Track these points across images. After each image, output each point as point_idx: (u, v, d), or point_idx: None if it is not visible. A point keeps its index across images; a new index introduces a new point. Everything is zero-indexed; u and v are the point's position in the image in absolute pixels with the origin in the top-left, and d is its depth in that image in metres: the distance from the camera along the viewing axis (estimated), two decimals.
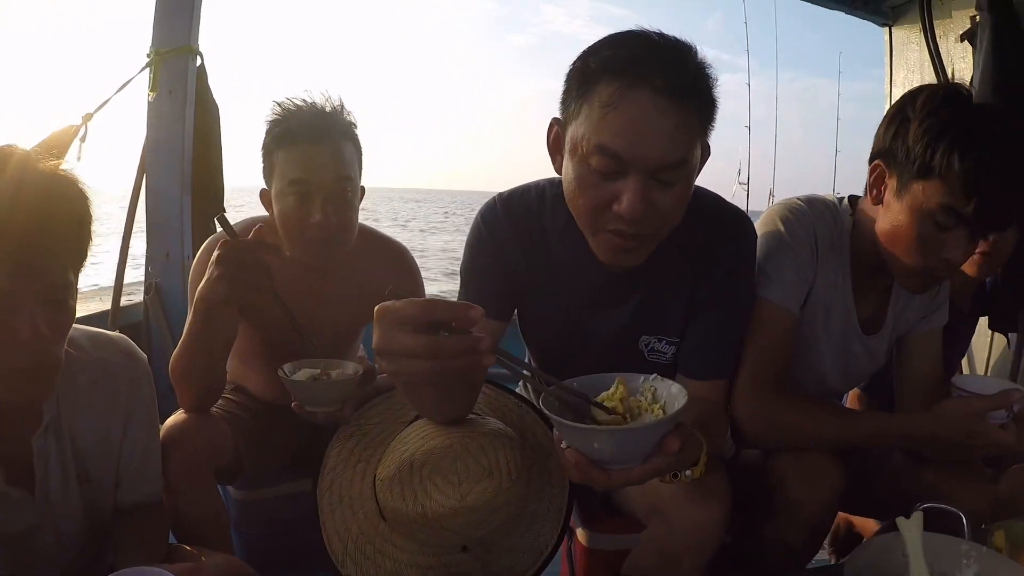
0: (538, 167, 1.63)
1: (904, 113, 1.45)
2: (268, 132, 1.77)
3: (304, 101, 1.76)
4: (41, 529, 1.27)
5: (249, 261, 1.47)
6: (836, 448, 1.54)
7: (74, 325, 1.24)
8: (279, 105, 1.76)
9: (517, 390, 1.74)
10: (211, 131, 2.88)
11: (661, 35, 1.21)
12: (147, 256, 2.83)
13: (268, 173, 1.78)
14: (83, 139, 2.48)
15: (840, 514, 2.14)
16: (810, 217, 1.60)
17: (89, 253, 1.16)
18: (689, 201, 1.29)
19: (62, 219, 1.10)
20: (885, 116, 1.51)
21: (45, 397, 1.22)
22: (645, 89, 1.15)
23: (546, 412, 0.99)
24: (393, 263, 1.97)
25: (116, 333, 1.42)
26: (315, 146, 1.71)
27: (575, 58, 1.26)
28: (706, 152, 1.29)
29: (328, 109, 1.77)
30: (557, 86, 1.30)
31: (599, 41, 1.24)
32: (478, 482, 1.20)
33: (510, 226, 1.48)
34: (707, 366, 1.49)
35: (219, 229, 1.59)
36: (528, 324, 1.64)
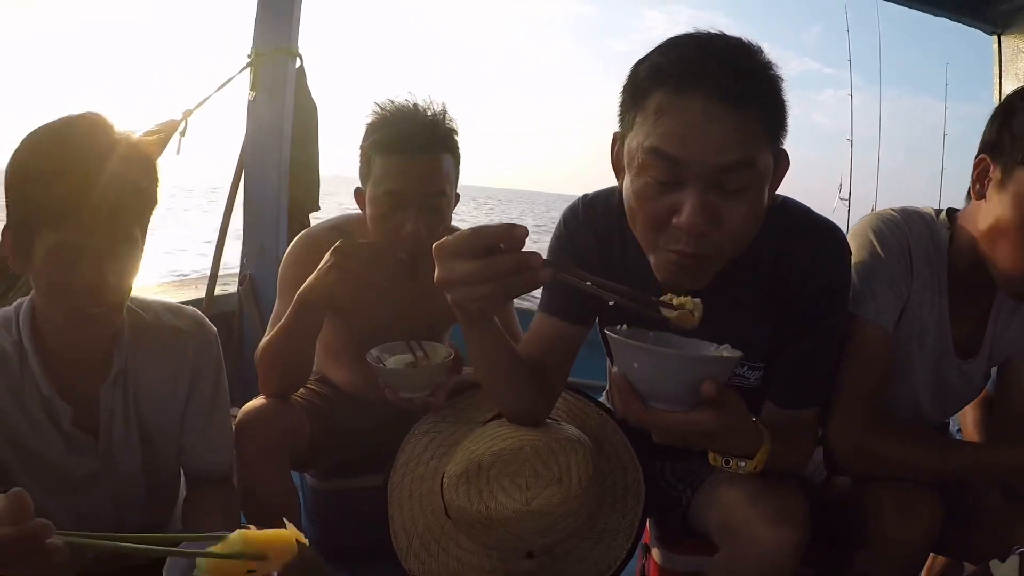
0: None
1: (1012, 104, 1.35)
2: (368, 135, 1.76)
3: (406, 105, 1.76)
4: (101, 479, 1.34)
5: (357, 263, 1.52)
6: (935, 479, 1.46)
7: (153, 298, 1.39)
8: (380, 108, 1.76)
9: (601, 399, 1.72)
10: (309, 130, 2.97)
11: (720, 36, 1.14)
12: (243, 249, 2.94)
13: (364, 174, 1.78)
14: (183, 134, 2.60)
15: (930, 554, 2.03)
16: (904, 229, 1.50)
17: (153, 212, 1.26)
18: (770, 213, 1.20)
19: (130, 180, 1.19)
20: (992, 113, 1.42)
21: (109, 337, 1.31)
22: (698, 92, 1.08)
23: (605, 331, 0.98)
24: None
25: (189, 306, 1.48)
26: (414, 159, 1.70)
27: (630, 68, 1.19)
28: (782, 161, 1.19)
29: (430, 115, 1.75)
30: None
31: (652, 49, 1.18)
32: (546, 487, 1.20)
33: (591, 232, 1.43)
34: (798, 397, 1.40)
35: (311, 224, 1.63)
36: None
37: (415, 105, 1.75)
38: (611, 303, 1.01)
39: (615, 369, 1.02)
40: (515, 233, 0.97)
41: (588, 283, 1.02)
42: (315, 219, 2.96)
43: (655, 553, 1.66)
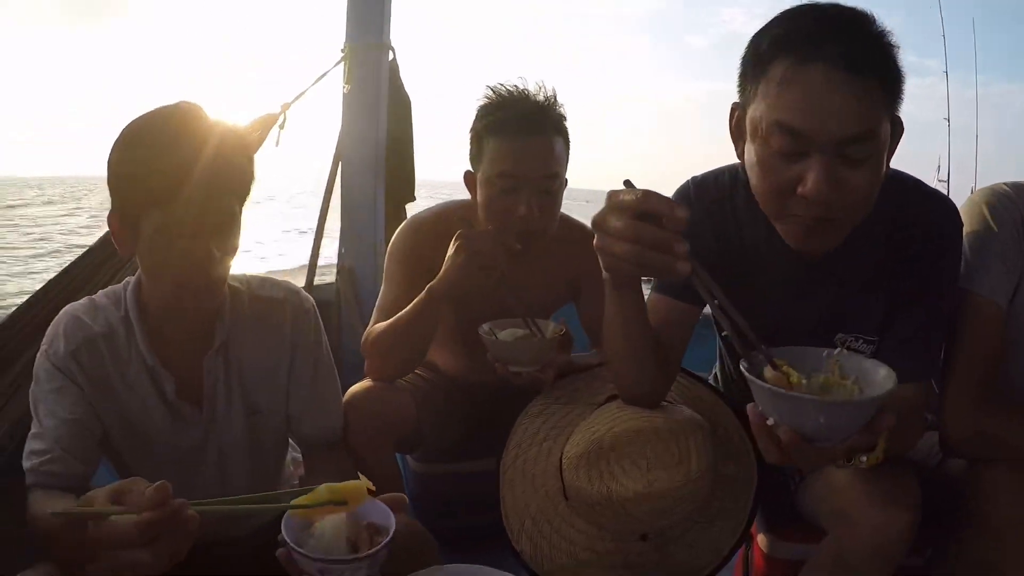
0: (706, 167, 1.56)
1: None
2: (480, 117, 1.79)
3: (517, 88, 1.78)
4: (206, 450, 1.38)
5: (488, 248, 1.54)
6: None
7: (246, 273, 1.45)
8: (493, 91, 1.78)
9: (709, 379, 1.70)
10: (403, 122, 3.01)
11: (835, 6, 1.14)
12: (341, 239, 3.00)
13: (475, 157, 1.80)
14: (282, 126, 2.66)
15: None
16: (1017, 203, 1.44)
17: (252, 191, 1.31)
18: (882, 183, 1.19)
19: (229, 158, 1.24)
20: None
21: (212, 310, 1.35)
22: (819, 63, 1.08)
23: (748, 376, 0.96)
24: (585, 251, 1.97)
25: (284, 279, 1.52)
26: (527, 140, 1.72)
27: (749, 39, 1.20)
28: (899, 128, 1.19)
29: (541, 98, 1.77)
30: (728, 87, 1.26)
31: (771, 20, 1.19)
32: (667, 469, 1.19)
33: (702, 210, 1.42)
34: (908, 367, 1.34)
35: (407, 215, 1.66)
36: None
37: (526, 89, 1.77)
38: (723, 333, 1.02)
39: (770, 419, 1.00)
40: (676, 212, 0.98)
41: (716, 301, 1.05)
42: (411, 209, 3.01)
43: (760, 540, 1.63)
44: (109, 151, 1.23)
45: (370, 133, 2.91)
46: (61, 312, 1.36)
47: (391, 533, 1.03)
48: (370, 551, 1.01)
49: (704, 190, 1.43)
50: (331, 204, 3.04)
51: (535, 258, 1.86)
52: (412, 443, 1.89)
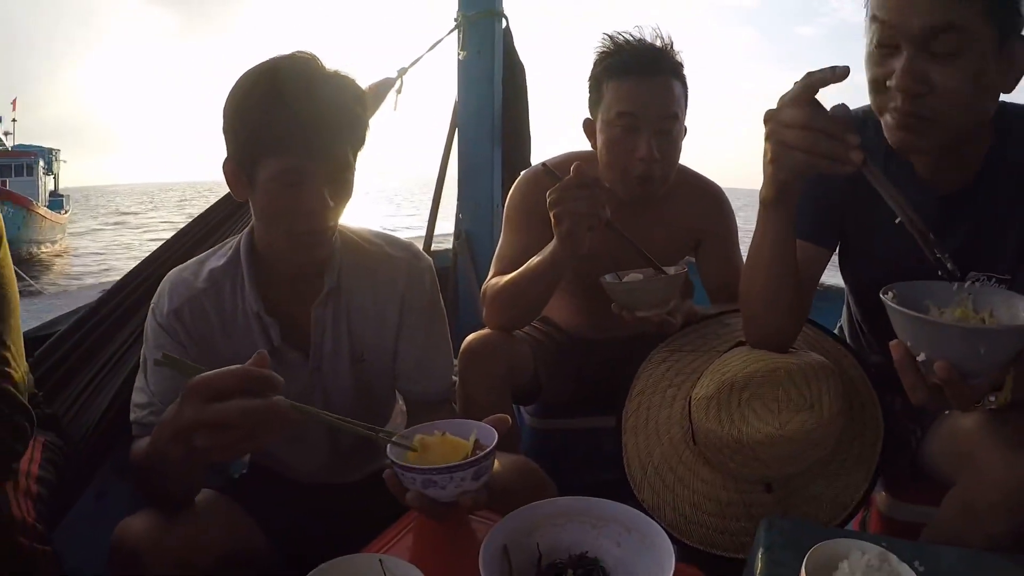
0: None
1: None
2: (598, 63, 1.79)
3: (633, 36, 1.77)
4: (312, 396, 1.40)
5: (582, 196, 1.51)
6: None
7: (364, 227, 1.47)
8: (610, 38, 1.78)
9: (835, 330, 1.66)
10: (518, 89, 3.03)
11: None
12: (458, 205, 3.05)
13: (594, 104, 1.81)
14: (399, 91, 2.72)
15: None
16: None
17: (366, 138, 1.33)
18: (988, 91, 1.16)
19: (345, 106, 1.27)
20: None
21: (324, 259, 1.38)
22: None
23: (899, 309, 0.95)
24: (708, 204, 1.95)
25: (404, 239, 1.54)
26: (646, 80, 1.71)
27: None
28: (1014, 44, 1.14)
29: (659, 44, 1.77)
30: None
31: None
32: (798, 412, 1.16)
33: None
34: None
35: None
36: (849, 259, 1.55)
37: (643, 38, 1.77)
38: (897, 220, 1.01)
39: (920, 357, 0.98)
40: (839, 70, 1.04)
41: (890, 195, 1.05)
42: None
43: (879, 500, 1.56)
44: (225, 101, 1.27)
45: (486, 100, 2.93)
46: (169, 273, 1.42)
47: (493, 445, 1.06)
48: (471, 459, 1.03)
49: (853, 116, 1.41)
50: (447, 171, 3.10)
51: (655, 207, 1.86)
52: (529, 395, 1.91)
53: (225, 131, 1.28)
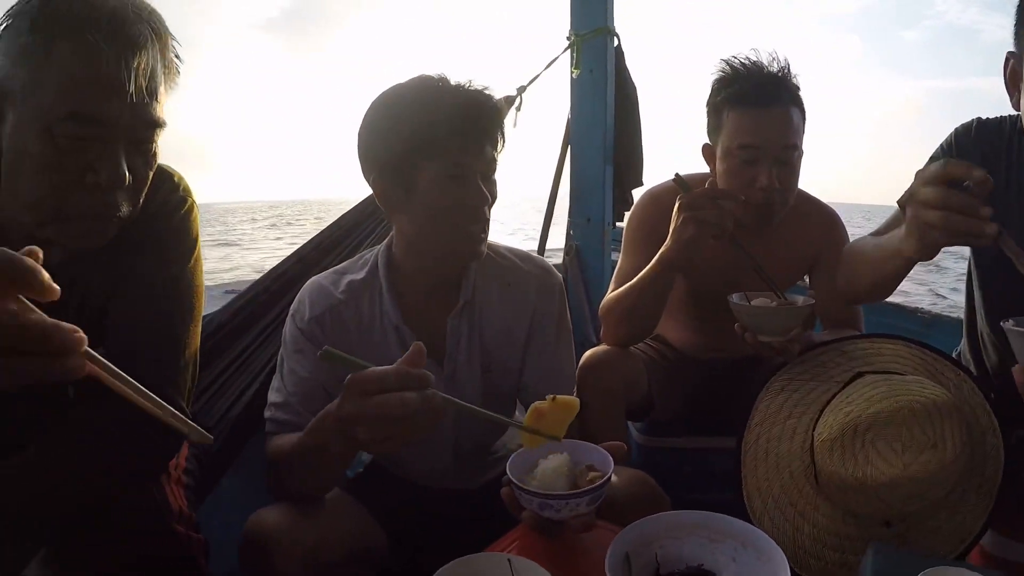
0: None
1: None
2: (717, 90, 1.83)
3: (751, 60, 1.80)
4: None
5: (710, 207, 1.55)
6: None
7: (499, 243, 1.54)
8: (728, 64, 1.82)
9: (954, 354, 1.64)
10: (630, 106, 3.06)
11: None
12: (569, 220, 3.10)
13: (713, 130, 1.84)
14: (518, 108, 2.81)
15: None
16: None
17: (506, 141, 1.42)
18: None
19: (490, 111, 1.36)
20: None
21: (459, 271, 1.47)
22: None
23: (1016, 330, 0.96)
24: (823, 229, 1.96)
25: (537, 255, 1.61)
26: (766, 111, 1.74)
27: None
28: None
29: (775, 69, 1.79)
30: (950, 84, 1.26)
31: None
32: (921, 452, 1.16)
33: (978, 151, 1.43)
34: None
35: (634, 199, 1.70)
36: (982, 268, 1.54)
37: (760, 61, 1.80)
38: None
39: None
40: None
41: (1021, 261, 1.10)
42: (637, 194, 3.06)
43: (985, 539, 1.51)
44: (362, 123, 1.38)
45: (598, 118, 2.97)
46: (308, 282, 1.50)
47: (609, 474, 1.11)
48: (587, 488, 1.08)
49: (986, 129, 1.44)
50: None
51: (773, 232, 1.88)
52: (641, 411, 1.95)
53: (369, 149, 1.38)
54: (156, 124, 1.09)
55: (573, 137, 3.05)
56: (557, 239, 3.21)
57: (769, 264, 1.76)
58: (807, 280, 2.06)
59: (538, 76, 2.93)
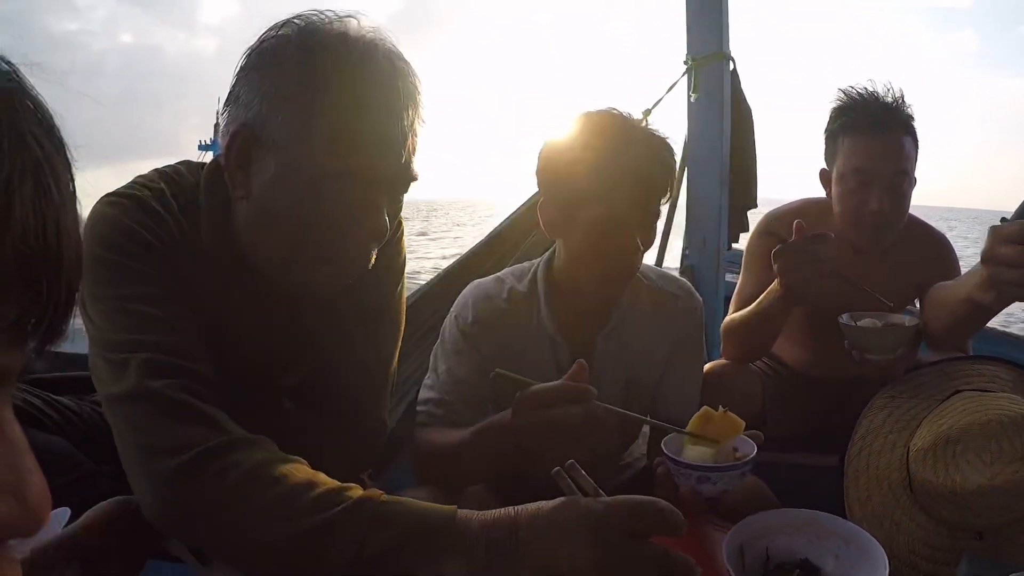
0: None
1: None
2: (834, 118, 1.94)
3: (867, 90, 1.90)
4: None
5: (803, 255, 1.62)
6: None
7: (648, 265, 1.61)
8: (844, 93, 1.92)
9: None
10: (745, 131, 3.13)
11: None
12: (685, 241, 3.18)
13: (830, 156, 1.96)
14: None
15: None
16: None
17: (668, 195, 1.49)
18: None
19: (661, 165, 1.43)
20: None
21: (616, 299, 1.56)
22: None
23: None
24: (933, 255, 2.02)
25: (680, 277, 1.71)
26: (879, 138, 1.83)
27: None
28: None
29: (890, 99, 1.88)
30: None
31: None
32: (1010, 463, 1.21)
33: None
34: None
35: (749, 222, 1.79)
36: None
37: (875, 91, 1.89)
38: None
39: None
40: None
41: None
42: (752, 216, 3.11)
43: None
44: (546, 150, 1.47)
45: (715, 141, 3.04)
46: (469, 285, 1.61)
47: (755, 453, 1.22)
48: (742, 461, 1.21)
49: None
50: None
51: (885, 256, 1.94)
52: (754, 426, 2.03)
53: (547, 178, 1.48)
54: (415, 179, 1.09)
55: (690, 160, 3.13)
56: (672, 259, 3.29)
57: (880, 287, 1.82)
58: (917, 304, 2.10)
59: (660, 100, 3.04)
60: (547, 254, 1.60)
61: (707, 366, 1.87)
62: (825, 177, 1.98)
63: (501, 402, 1.33)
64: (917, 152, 1.88)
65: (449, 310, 1.60)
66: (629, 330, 1.59)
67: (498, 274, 1.66)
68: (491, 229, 2.79)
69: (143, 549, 1.04)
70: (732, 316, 1.94)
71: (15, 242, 0.35)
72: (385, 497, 0.88)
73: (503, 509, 0.86)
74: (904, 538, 1.37)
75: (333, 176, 1.01)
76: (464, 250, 2.73)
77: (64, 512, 0.97)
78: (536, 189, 1.58)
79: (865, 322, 1.74)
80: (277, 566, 0.89)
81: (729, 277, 2.97)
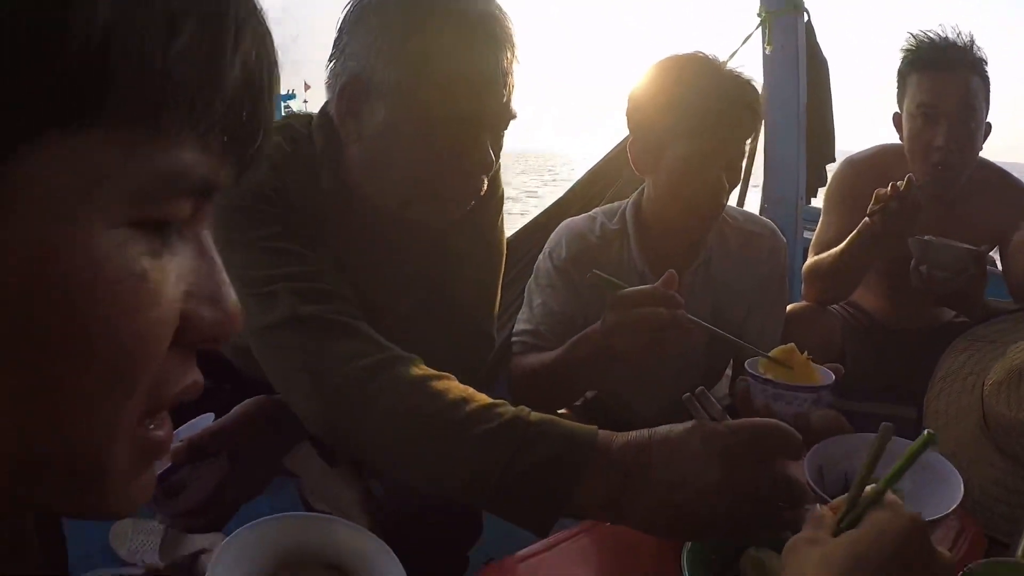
0: None
1: None
2: (903, 58, 1.98)
3: (936, 34, 1.92)
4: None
5: (894, 205, 1.67)
6: None
7: (733, 207, 1.68)
8: (913, 36, 1.95)
9: None
10: (821, 85, 3.10)
11: None
12: (763, 195, 3.18)
13: (900, 98, 2.00)
14: None
15: None
16: None
17: (758, 128, 1.57)
18: None
19: (744, 104, 1.49)
20: None
21: (701, 231, 1.62)
22: None
23: None
24: (1011, 203, 2.01)
25: (765, 218, 1.78)
26: (943, 73, 1.87)
27: None
28: None
29: (960, 43, 1.90)
30: None
31: None
32: None
33: None
34: None
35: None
36: None
37: (945, 36, 1.92)
38: None
39: None
40: None
41: None
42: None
43: None
44: (635, 91, 1.54)
45: (791, 95, 3.03)
46: (562, 224, 1.70)
47: (833, 380, 1.29)
48: (818, 384, 1.27)
49: None
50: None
51: (958, 207, 1.94)
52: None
53: (635, 116, 1.55)
54: (514, 117, 1.18)
55: (767, 112, 3.11)
56: None
57: (954, 233, 1.83)
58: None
59: (735, 52, 3.02)
60: (636, 193, 1.67)
61: (790, 306, 1.93)
62: (898, 120, 2.02)
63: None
64: (988, 95, 1.89)
65: (541, 250, 1.70)
66: (716, 267, 1.65)
67: (590, 213, 1.73)
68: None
69: (282, 447, 1.16)
70: (815, 258, 1.99)
71: (244, 58, 0.39)
72: (534, 415, 0.92)
73: (639, 432, 0.89)
74: (979, 479, 1.40)
75: (442, 118, 1.09)
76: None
77: (208, 416, 1.11)
78: (615, 142, 1.64)
79: (931, 238, 1.78)
80: (429, 477, 0.97)
81: (807, 234, 2.97)
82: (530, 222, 2.46)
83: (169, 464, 1.02)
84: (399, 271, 1.30)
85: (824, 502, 1.03)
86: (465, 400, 0.95)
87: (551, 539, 1.06)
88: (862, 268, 1.88)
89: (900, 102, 2.01)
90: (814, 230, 2.20)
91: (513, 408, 0.94)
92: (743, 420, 0.89)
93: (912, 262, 1.76)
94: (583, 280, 1.57)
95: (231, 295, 0.44)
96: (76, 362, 0.37)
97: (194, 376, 0.44)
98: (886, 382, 2.11)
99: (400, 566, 0.82)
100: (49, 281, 0.35)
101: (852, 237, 1.82)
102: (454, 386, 0.98)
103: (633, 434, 0.89)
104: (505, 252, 1.47)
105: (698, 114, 1.44)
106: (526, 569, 1.03)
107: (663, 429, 0.89)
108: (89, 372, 0.37)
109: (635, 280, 1.59)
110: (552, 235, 1.69)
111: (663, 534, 0.90)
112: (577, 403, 1.82)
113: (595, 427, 0.91)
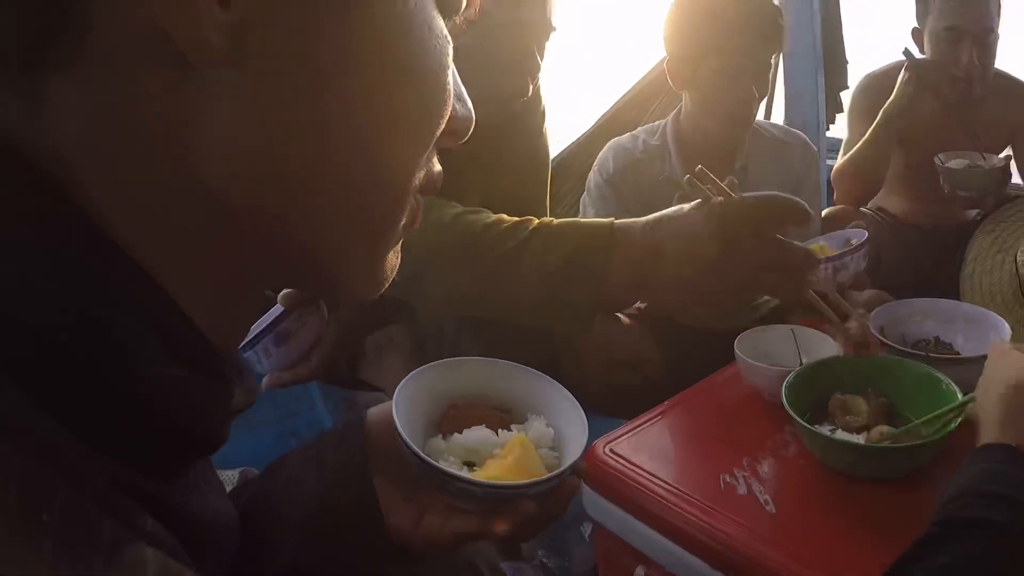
0: None
1: None
2: None
3: None
4: None
5: (936, 78, 1.85)
6: None
7: (765, 121, 1.83)
8: None
9: None
10: (832, 13, 3.19)
11: None
12: (784, 122, 3.28)
13: (921, 15, 2.13)
14: None
15: None
16: None
17: (783, 44, 1.71)
18: None
19: (769, 19, 1.63)
20: None
21: (736, 141, 1.74)
22: None
23: None
24: (1021, 102, 2.16)
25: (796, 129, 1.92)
26: None
27: None
28: None
29: None
30: None
31: None
32: None
33: None
34: None
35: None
36: None
37: None
38: None
39: None
40: None
41: None
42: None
43: None
44: (670, 12, 1.68)
45: (806, 24, 3.08)
46: (608, 143, 1.84)
47: (867, 239, 1.44)
48: (854, 247, 1.42)
49: None
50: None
51: (974, 110, 2.11)
52: (868, 270, 2.23)
53: (670, 36, 1.69)
54: (555, 29, 1.33)
55: (784, 43, 3.20)
56: None
57: (973, 137, 2.00)
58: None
59: None
60: (674, 112, 1.82)
61: (825, 210, 2.10)
62: (917, 36, 2.16)
63: None
64: (1000, 10, 2.04)
65: (590, 168, 1.85)
66: (752, 173, 1.79)
67: (632, 132, 1.89)
68: None
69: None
70: (843, 160, 2.16)
71: None
72: (556, 221, 1.02)
73: (654, 214, 0.96)
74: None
75: (499, 24, 1.22)
76: None
77: (278, 308, 1.13)
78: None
79: (956, 162, 1.95)
80: (480, 295, 1.03)
81: (830, 163, 3.07)
82: (572, 144, 2.56)
83: (281, 310, 1.09)
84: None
85: (894, 352, 1.19)
86: (500, 220, 1.04)
87: (630, 424, 1.19)
88: (883, 158, 2.04)
89: (921, 20, 2.14)
90: (835, 160, 2.36)
91: (536, 219, 1.03)
92: (746, 194, 0.95)
93: (940, 178, 1.94)
94: (632, 191, 1.74)
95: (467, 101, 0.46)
96: (406, 99, 0.41)
97: (439, 167, 0.47)
98: (918, 280, 2.18)
99: (580, 409, 0.78)
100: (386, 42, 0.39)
101: (872, 129, 2.00)
102: (487, 213, 1.06)
103: (650, 216, 0.96)
104: (549, 156, 1.59)
105: (727, 30, 1.57)
106: (611, 450, 1.13)
107: (672, 209, 0.96)
108: (408, 111, 0.41)
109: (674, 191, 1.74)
110: (600, 153, 1.83)
111: (678, 309, 0.98)
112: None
113: (611, 218, 0.99)
